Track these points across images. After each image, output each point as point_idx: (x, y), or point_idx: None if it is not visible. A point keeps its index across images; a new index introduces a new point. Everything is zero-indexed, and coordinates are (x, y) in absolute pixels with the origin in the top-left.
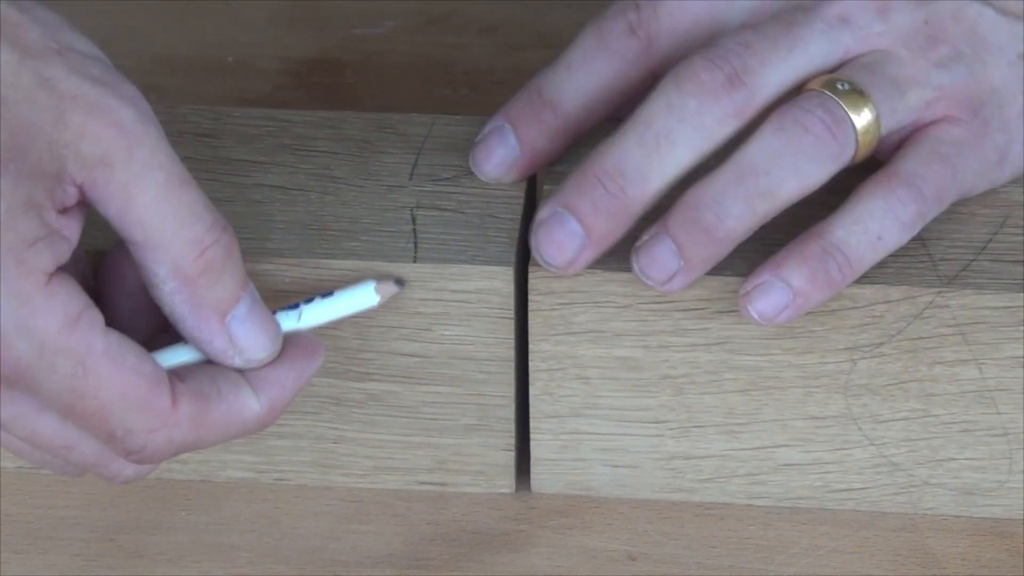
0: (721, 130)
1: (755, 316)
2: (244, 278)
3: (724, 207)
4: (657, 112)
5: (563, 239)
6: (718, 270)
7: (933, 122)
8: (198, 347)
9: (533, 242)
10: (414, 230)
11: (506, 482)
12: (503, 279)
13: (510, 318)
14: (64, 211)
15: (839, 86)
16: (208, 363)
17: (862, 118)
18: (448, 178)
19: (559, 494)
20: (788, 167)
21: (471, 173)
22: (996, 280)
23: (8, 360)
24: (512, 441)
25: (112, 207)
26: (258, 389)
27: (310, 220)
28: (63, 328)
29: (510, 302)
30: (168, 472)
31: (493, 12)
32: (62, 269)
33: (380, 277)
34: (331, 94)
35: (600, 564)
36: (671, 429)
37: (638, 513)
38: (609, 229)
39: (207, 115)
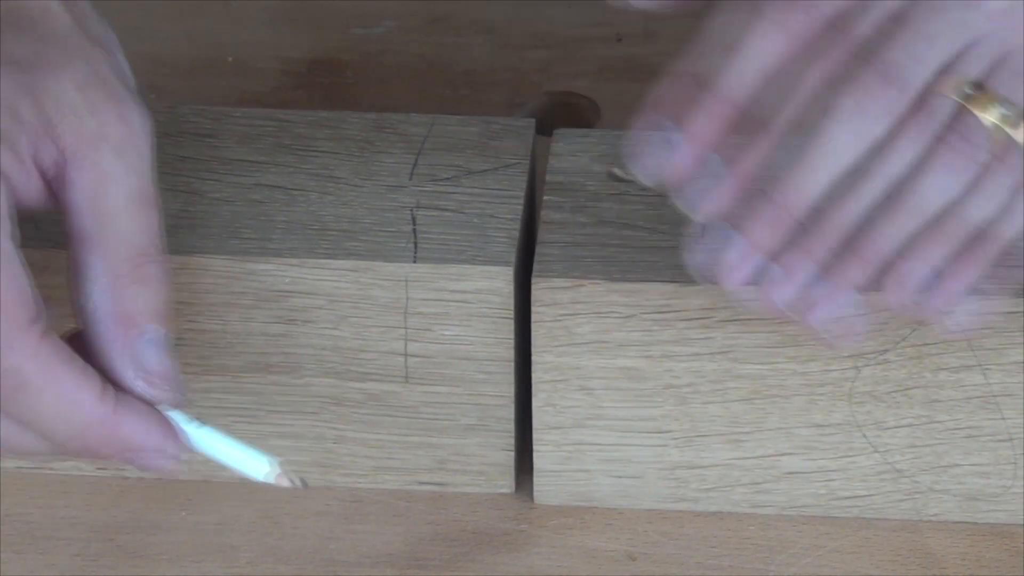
0: (879, 129)
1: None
2: (169, 316)
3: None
4: (831, 128)
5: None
6: None
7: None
8: (103, 354)
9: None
10: (414, 230)
11: (506, 482)
12: (503, 279)
13: (510, 318)
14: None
15: (1004, 113)
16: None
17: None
18: (448, 178)
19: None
20: (976, 204)
21: (471, 173)
22: (1000, 285)
23: None
24: (512, 441)
25: (84, 190)
26: (110, 398)
27: (310, 220)
28: None
29: (510, 302)
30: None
31: (493, 12)
32: None
33: (287, 471)
34: (331, 94)
35: (600, 564)
36: (675, 439)
37: (638, 513)
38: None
39: (207, 115)
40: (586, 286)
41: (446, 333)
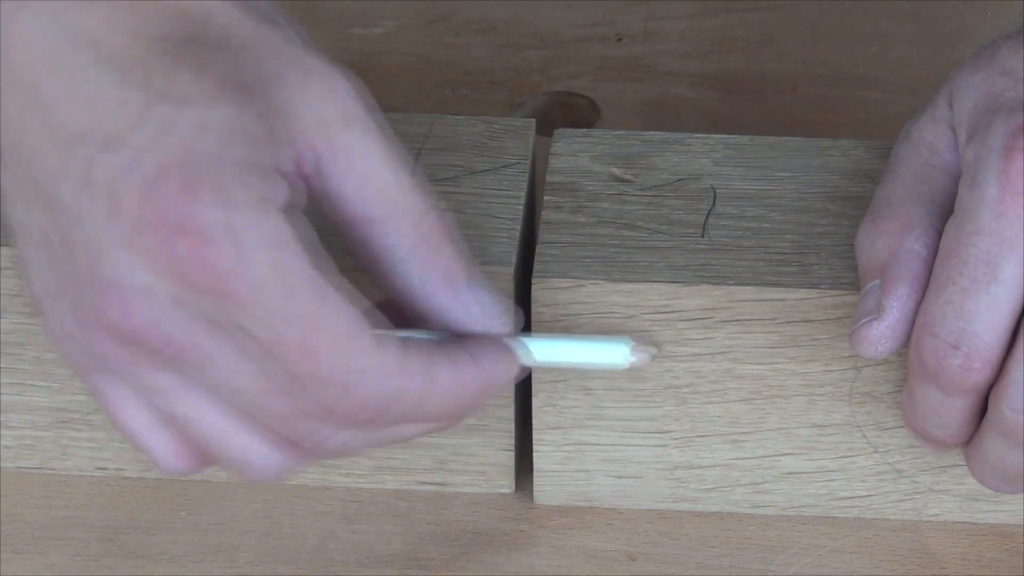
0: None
1: None
2: (469, 255)
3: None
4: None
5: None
6: (721, 279)
7: None
8: (432, 319)
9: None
10: None
11: (506, 482)
12: (503, 279)
13: None
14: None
15: None
16: None
17: None
18: (448, 178)
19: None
20: None
21: (471, 173)
22: None
23: (247, 277)
24: (512, 442)
25: (350, 177)
26: (473, 358)
27: (310, 220)
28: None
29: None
30: None
31: (493, 12)
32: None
33: (642, 345)
34: None
35: (600, 564)
36: (674, 439)
37: (638, 513)
38: None
39: None
40: (586, 286)
41: None
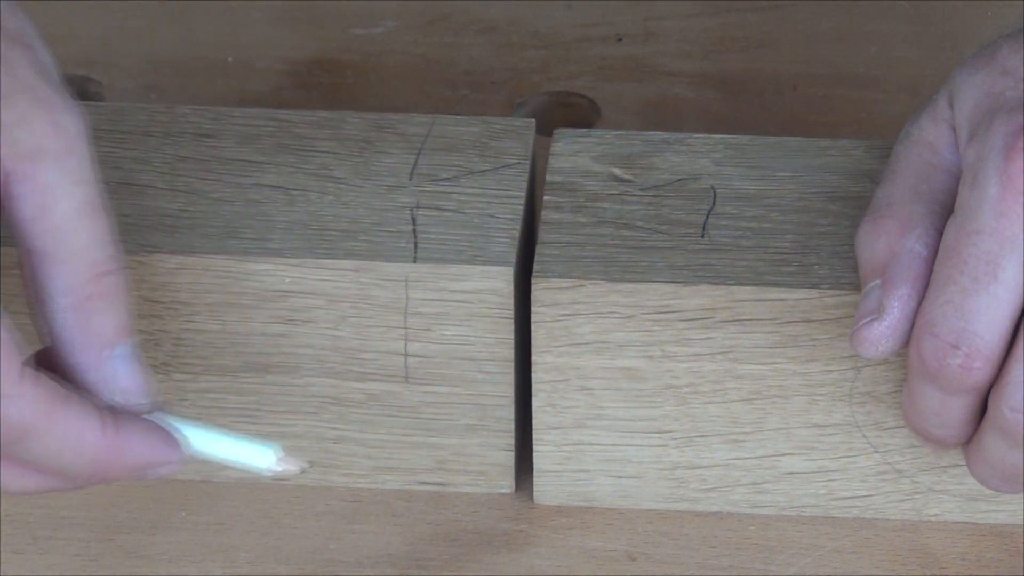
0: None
1: None
2: (132, 325)
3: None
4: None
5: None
6: (721, 279)
7: None
8: (76, 375)
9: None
10: (414, 230)
11: (506, 482)
12: (503, 279)
13: (510, 319)
14: None
15: None
16: None
17: None
18: (448, 178)
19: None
20: None
21: (471, 173)
22: None
23: None
24: (512, 442)
25: (29, 206)
26: (111, 425)
27: (310, 220)
28: None
29: (510, 302)
30: None
31: (493, 12)
32: None
33: (290, 456)
34: (331, 94)
35: (600, 564)
36: (674, 439)
37: (638, 513)
38: None
39: (207, 115)
40: (586, 286)
41: (446, 333)
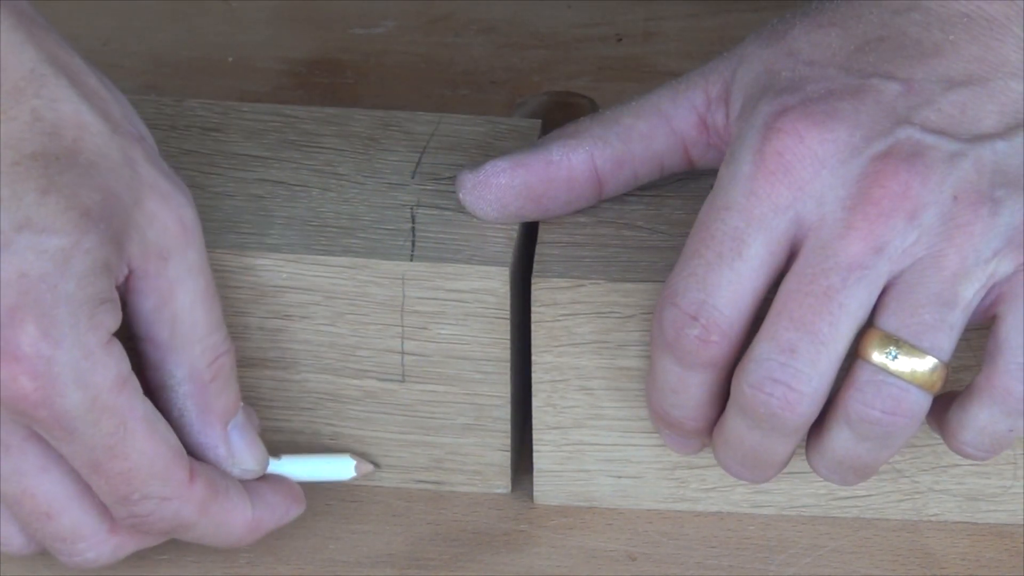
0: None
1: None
2: (240, 392)
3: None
4: (732, 450)
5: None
6: None
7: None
8: (200, 452)
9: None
10: (413, 228)
11: (502, 483)
12: (499, 279)
13: (506, 318)
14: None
15: (889, 356)
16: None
17: (924, 369)
18: (450, 177)
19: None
20: (874, 453)
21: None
22: None
23: (59, 407)
24: (508, 442)
25: (151, 301)
26: (253, 503)
27: (310, 216)
28: (114, 387)
29: (506, 302)
30: None
31: (493, 12)
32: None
33: (361, 461)
34: (331, 94)
35: (600, 564)
36: None
37: (638, 514)
38: None
39: (215, 109)
40: (586, 286)
41: (442, 332)
